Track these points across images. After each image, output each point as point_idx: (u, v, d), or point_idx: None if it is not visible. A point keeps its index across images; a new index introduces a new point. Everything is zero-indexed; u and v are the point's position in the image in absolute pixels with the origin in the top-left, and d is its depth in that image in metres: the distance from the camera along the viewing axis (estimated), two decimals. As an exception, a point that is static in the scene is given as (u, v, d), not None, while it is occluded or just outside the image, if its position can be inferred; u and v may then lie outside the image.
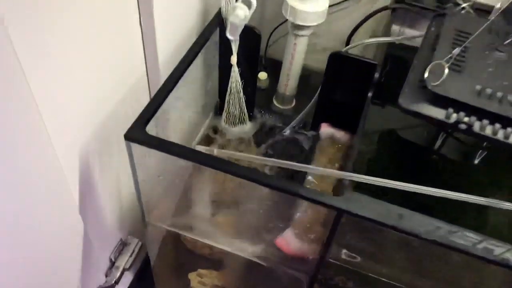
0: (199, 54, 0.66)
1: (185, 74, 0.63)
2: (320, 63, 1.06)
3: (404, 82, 0.58)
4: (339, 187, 0.66)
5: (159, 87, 0.59)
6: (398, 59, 0.87)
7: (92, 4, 0.49)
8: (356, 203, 0.49)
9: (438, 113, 0.55)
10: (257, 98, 0.88)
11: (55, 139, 0.50)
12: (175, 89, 0.61)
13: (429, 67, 0.56)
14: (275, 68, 1.00)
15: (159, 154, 0.56)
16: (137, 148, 0.54)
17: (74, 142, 0.55)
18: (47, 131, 0.49)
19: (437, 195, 0.52)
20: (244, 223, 0.64)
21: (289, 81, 0.93)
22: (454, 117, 0.54)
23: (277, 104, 0.98)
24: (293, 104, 0.98)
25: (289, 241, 0.60)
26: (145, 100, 0.63)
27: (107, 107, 0.60)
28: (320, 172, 0.56)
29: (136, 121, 0.54)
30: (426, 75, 0.56)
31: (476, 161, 0.78)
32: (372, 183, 0.54)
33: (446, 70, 0.54)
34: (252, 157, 0.59)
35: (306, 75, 1.01)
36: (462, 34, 0.62)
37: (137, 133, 0.53)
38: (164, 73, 0.66)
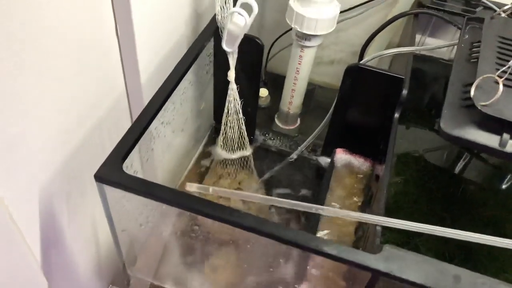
0: (190, 69, 0.55)
1: (173, 94, 0.52)
2: (326, 76, 0.96)
3: (444, 101, 0.47)
4: (363, 228, 0.54)
5: (142, 109, 0.47)
6: (418, 72, 0.76)
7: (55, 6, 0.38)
8: (398, 262, 0.37)
9: (489, 139, 0.44)
10: (256, 118, 0.77)
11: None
12: (160, 112, 0.49)
13: (476, 82, 0.45)
14: (276, 83, 0.90)
15: (137, 201, 0.45)
16: (112, 190, 0.43)
17: (30, 183, 0.43)
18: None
19: (481, 242, 0.41)
20: (247, 278, 0.52)
21: (293, 99, 0.82)
22: (511, 144, 0.43)
23: (279, 124, 0.87)
24: (298, 124, 0.87)
25: (305, 300, 0.48)
26: (126, 126, 0.51)
27: (77, 136, 0.49)
28: (342, 215, 0.44)
29: (111, 156, 0.42)
30: (472, 92, 0.45)
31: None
32: (409, 229, 0.43)
33: (501, 86, 0.43)
34: (256, 197, 0.48)
35: (310, 90, 0.90)
36: (509, 42, 0.51)
37: (111, 172, 0.41)
38: (147, 93, 0.55)
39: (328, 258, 0.38)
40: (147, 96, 0.54)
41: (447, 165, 0.66)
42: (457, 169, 0.68)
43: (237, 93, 0.62)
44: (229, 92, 0.62)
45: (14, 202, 0.40)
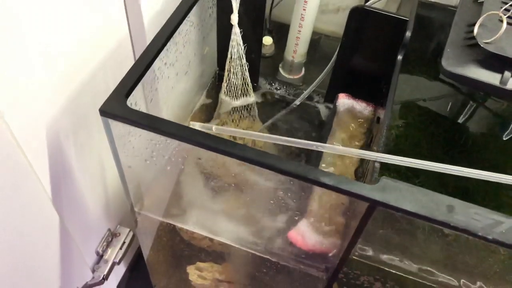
0: (193, 11, 0.54)
1: (175, 35, 0.52)
2: (332, 25, 0.94)
3: (447, 41, 0.47)
4: (363, 168, 0.55)
5: (144, 50, 0.48)
6: (425, 20, 0.75)
7: None
8: (394, 193, 0.38)
9: (491, 77, 0.44)
10: (261, 67, 0.76)
11: (10, 115, 0.39)
12: (163, 51, 0.50)
13: (480, 19, 0.45)
14: (281, 32, 0.88)
15: (142, 136, 0.46)
16: (117, 125, 0.44)
17: (38, 119, 0.44)
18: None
19: (480, 178, 0.42)
20: (250, 213, 0.54)
21: (298, 47, 0.81)
22: (512, 82, 0.43)
23: (283, 74, 0.86)
24: (302, 73, 0.87)
25: (304, 234, 0.50)
26: (129, 66, 0.51)
27: (82, 74, 0.49)
28: (342, 152, 0.45)
29: (115, 92, 0.43)
30: (476, 30, 0.45)
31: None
32: (408, 165, 0.43)
33: (505, 23, 0.43)
34: (259, 135, 0.48)
35: (315, 40, 0.89)
36: (517, -21, 0.50)
37: (115, 107, 0.42)
38: (150, 35, 0.55)
39: (327, 189, 0.39)
40: (150, 38, 0.54)
41: (450, 113, 0.67)
42: (460, 117, 0.69)
43: (240, 37, 0.62)
44: (232, 36, 0.62)
45: (23, 136, 0.42)
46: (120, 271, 0.81)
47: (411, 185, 0.39)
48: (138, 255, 0.84)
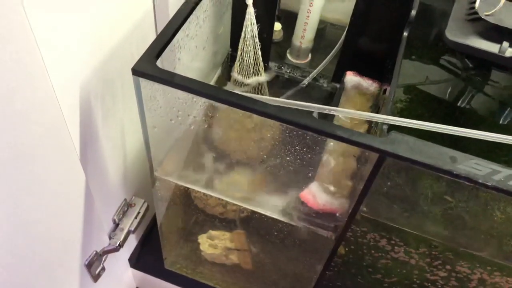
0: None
1: (197, 8, 0.55)
2: (338, 13, 0.98)
3: (450, 15, 0.51)
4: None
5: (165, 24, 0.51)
6: (428, 10, 0.79)
7: None
8: (402, 145, 0.42)
9: (490, 46, 0.48)
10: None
11: (52, 73, 0.43)
12: (186, 24, 0.53)
13: (481, -6, 0.49)
14: (289, 20, 0.92)
15: (170, 95, 0.49)
16: (146, 85, 0.47)
17: (74, 79, 0.48)
18: (44, 62, 0.41)
19: (488, 139, 0.46)
20: (264, 176, 0.58)
21: (305, 32, 0.85)
22: (510, 51, 0.47)
23: (291, 59, 0.90)
24: (309, 58, 0.91)
25: (316, 194, 0.54)
26: (151, 39, 0.55)
27: (111, 42, 0.53)
28: (352, 115, 0.49)
29: (146, 53, 0.47)
30: (477, 4, 0.49)
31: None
32: (414, 126, 0.47)
33: (504, -4, 0.47)
34: (271, 99, 0.52)
35: (321, 28, 0.93)
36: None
37: (146, 67, 0.46)
38: (172, 8, 0.58)
39: (342, 141, 0.43)
40: (172, 12, 0.58)
41: (450, 95, 0.71)
42: (460, 100, 0.73)
43: (254, 17, 0.66)
44: (246, 16, 0.66)
45: (61, 92, 0.45)
46: (131, 244, 0.85)
47: (418, 139, 0.43)
48: (150, 228, 0.87)
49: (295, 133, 0.47)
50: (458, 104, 0.71)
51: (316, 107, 0.50)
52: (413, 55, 0.70)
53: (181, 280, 0.83)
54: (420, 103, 0.64)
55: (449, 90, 0.73)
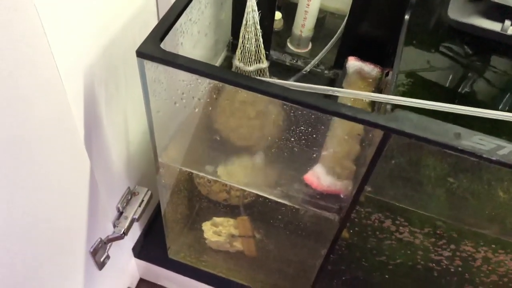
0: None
1: (200, -7, 0.56)
2: (337, 2, 0.98)
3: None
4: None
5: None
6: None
7: None
8: (407, 122, 0.42)
9: (493, 25, 0.48)
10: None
11: (58, 57, 0.43)
12: (188, 8, 0.54)
13: (483, -26, 0.49)
14: (289, 10, 0.93)
15: (174, 78, 0.50)
16: (151, 68, 0.47)
17: (78, 64, 0.48)
18: (50, 46, 0.41)
19: (490, 117, 0.46)
20: (267, 160, 0.58)
21: (306, 21, 0.85)
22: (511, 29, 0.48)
23: (291, 48, 0.91)
24: (309, 47, 0.91)
25: (320, 176, 0.54)
26: (153, 26, 0.55)
27: (114, 28, 0.53)
28: (356, 95, 0.50)
29: (150, 35, 0.47)
30: (479, -17, 0.49)
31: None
32: (417, 106, 0.48)
33: (505, -25, 0.47)
34: (280, 82, 0.52)
35: (321, 18, 0.93)
36: None
37: (151, 49, 0.46)
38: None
39: (347, 119, 0.43)
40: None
41: (451, 81, 0.71)
42: (461, 86, 0.73)
43: (255, 3, 0.66)
44: (248, 2, 0.66)
45: (66, 77, 0.45)
46: (135, 234, 0.85)
47: (422, 116, 0.43)
48: (154, 218, 0.87)
49: (299, 112, 0.47)
50: (459, 90, 0.72)
51: (320, 89, 0.50)
52: (414, 40, 0.70)
53: (184, 269, 0.83)
54: (421, 87, 0.64)
55: (450, 75, 0.73)
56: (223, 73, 0.45)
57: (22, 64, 0.38)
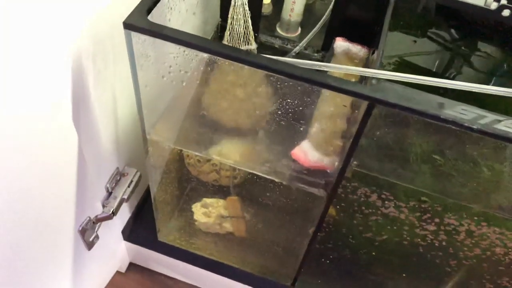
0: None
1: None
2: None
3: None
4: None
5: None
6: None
7: None
8: (391, 93, 0.43)
9: (476, 0, 0.49)
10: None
11: (44, 26, 0.43)
12: (177, -16, 0.54)
13: (467, -50, 0.50)
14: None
15: (161, 50, 0.50)
16: (138, 41, 0.47)
17: (65, 36, 0.48)
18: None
19: (480, 91, 0.47)
20: (256, 137, 0.59)
21: (295, 5, 0.85)
22: (495, 4, 0.48)
23: (281, 32, 0.91)
24: (298, 32, 0.92)
25: (306, 151, 0.55)
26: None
27: (98, 7, 0.53)
28: (344, 70, 0.50)
29: (137, 8, 0.47)
30: (463, -40, 0.50)
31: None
32: (403, 80, 0.48)
33: (488, -50, 0.48)
34: (263, 57, 0.52)
35: (310, 4, 0.94)
36: None
37: (138, 20, 0.46)
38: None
39: (334, 90, 0.43)
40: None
41: (438, 66, 0.72)
42: (448, 70, 0.74)
43: (244, -16, 0.66)
44: (236, -17, 0.66)
45: (51, 53, 0.45)
46: (124, 217, 0.85)
47: (405, 87, 0.44)
48: (143, 201, 0.87)
49: (286, 84, 0.47)
50: (446, 73, 0.73)
51: (308, 64, 0.51)
52: (400, 21, 0.71)
53: (174, 252, 0.84)
54: (407, 67, 0.65)
55: (436, 59, 0.75)
56: (211, 45, 0.45)
57: (7, 33, 0.38)
